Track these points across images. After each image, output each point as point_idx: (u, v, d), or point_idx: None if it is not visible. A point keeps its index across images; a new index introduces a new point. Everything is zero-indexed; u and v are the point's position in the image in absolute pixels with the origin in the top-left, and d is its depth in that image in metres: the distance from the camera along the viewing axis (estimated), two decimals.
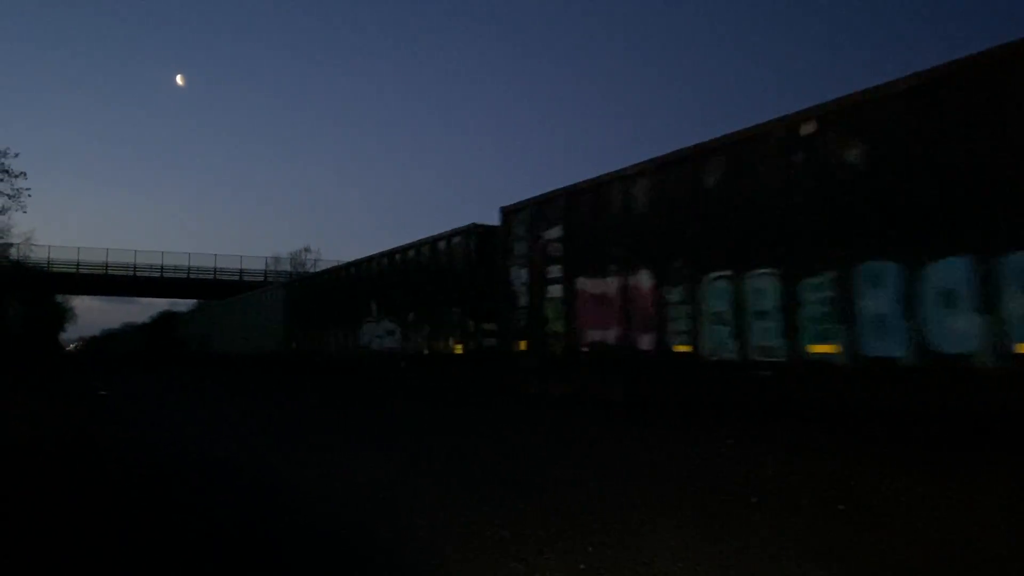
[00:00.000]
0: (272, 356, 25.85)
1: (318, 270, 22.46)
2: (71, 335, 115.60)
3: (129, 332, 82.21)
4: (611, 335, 10.71)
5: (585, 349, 11.18)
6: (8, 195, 17.78)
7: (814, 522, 4.56)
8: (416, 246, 16.60)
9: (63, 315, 78.56)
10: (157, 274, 50.27)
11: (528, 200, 12.73)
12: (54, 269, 47.46)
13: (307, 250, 61.17)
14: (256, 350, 28.04)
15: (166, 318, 52.85)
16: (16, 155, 19.34)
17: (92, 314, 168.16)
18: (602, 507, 4.98)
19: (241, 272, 51.58)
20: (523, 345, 12.52)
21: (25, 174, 17.30)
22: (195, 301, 50.00)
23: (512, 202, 13.14)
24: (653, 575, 3.65)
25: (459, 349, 14.60)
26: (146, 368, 33.01)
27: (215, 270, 51.09)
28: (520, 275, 12.72)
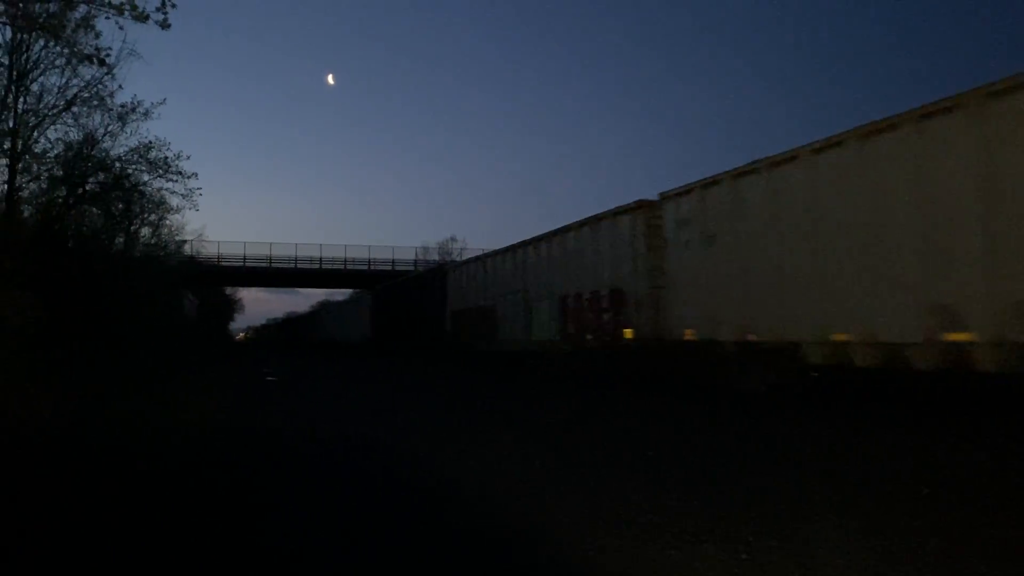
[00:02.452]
0: None
1: None
2: (239, 325, 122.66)
3: (312, 316, 65.53)
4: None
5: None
6: (182, 195, 19.32)
7: (998, 517, 4.29)
8: None
9: (232, 306, 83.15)
10: (316, 266, 52.64)
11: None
12: (223, 263, 50.75)
13: (453, 239, 62.41)
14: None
15: (437, 272, 27.49)
16: (188, 157, 20.80)
17: (257, 304, 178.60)
18: (758, 498, 4.88)
19: (393, 262, 53.24)
20: None
21: (196, 175, 18.72)
22: (351, 291, 51.78)
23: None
24: (817, 568, 3.56)
25: None
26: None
27: (369, 260, 52.93)
28: None
